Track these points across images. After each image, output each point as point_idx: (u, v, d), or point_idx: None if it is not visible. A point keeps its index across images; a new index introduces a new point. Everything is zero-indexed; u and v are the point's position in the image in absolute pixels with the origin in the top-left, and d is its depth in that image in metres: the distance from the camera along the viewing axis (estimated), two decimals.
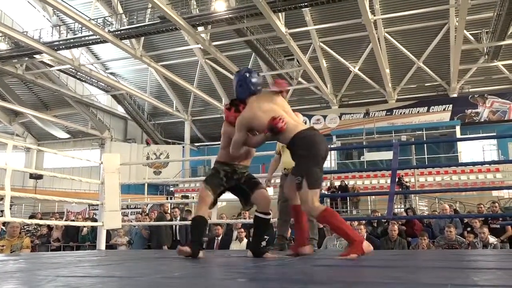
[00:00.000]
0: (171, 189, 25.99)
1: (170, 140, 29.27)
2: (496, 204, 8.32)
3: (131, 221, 10.48)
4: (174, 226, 8.50)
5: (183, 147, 28.74)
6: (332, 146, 23.32)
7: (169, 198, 21.11)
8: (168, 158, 27.23)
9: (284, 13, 16.69)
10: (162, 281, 1.64)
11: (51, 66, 22.93)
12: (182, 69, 24.60)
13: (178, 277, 1.81)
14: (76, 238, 9.88)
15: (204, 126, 29.28)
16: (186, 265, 2.58)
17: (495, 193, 15.53)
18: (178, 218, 8.51)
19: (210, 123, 28.74)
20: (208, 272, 2.09)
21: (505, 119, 22.76)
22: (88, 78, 23.79)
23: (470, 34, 19.57)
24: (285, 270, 2.11)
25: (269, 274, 1.93)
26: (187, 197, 19.35)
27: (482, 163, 15.52)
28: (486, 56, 20.83)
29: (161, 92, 27.05)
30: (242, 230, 7.74)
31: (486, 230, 6.61)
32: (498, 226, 7.22)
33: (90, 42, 19.56)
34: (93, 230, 9.28)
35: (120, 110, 29.23)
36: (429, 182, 19.99)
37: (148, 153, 27.42)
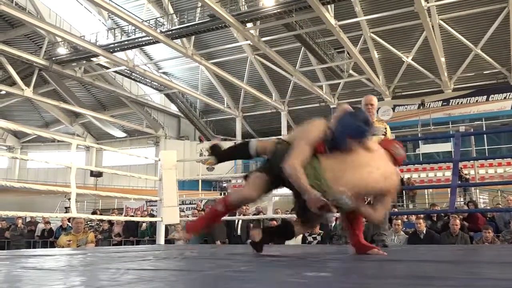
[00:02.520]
0: (224, 185, 26.33)
1: (222, 137, 29.66)
2: None
3: (188, 217, 10.70)
4: (235, 222, 8.62)
5: (235, 143, 28.98)
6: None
7: (222, 193, 21.38)
8: None
9: (333, 5, 16.42)
10: (230, 274, 1.67)
11: (107, 68, 23.82)
12: (232, 66, 24.84)
13: (245, 271, 1.83)
14: (135, 233, 10.24)
15: (255, 122, 29.47)
16: (250, 259, 2.61)
17: None
18: (237, 214, 8.60)
19: (261, 118, 28.88)
20: (276, 266, 2.10)
21: None
22: (142, 78, 24.55)
23: None
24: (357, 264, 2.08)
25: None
26: None
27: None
28: None
29: (212, 90, 27.45)
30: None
31: None
32: None
33: (143, 43, 20.13)
34: (152, 225, 9.57)
35: (173, 108, 29.96)
36: (489, 174, 19.13)
37: (201, 150, 27.91)
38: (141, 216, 11.23)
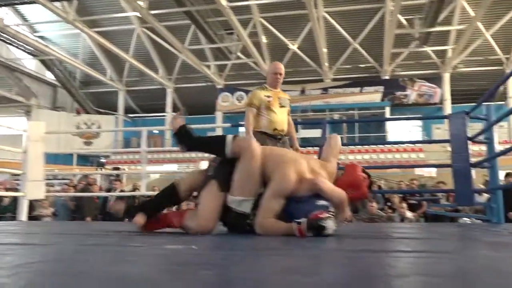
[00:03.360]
0: (102, 160, 25.25)
1: (102, 110, 28.26)
2: (414, 181, 8.87)
3: (57, 192, 10.12)
4: (107, 198, 8.31)
5: (116, 117, 27.90)
6: None
7: (98, 169, 20.50)
8: (100, 128, 26.35)
9: None
10: (78, 248, 1.63)
11: None
12: (117, 36, 23.64)
13: (94, 244, 1.80)
14: None
15: (139, 97, 28.52)
16: (112, 234, 2.56)
17: (417, 171, 16.49)
18: (118, 191, 8.29)
19: (146, 94, 28.03)
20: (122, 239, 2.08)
21: (431, 102, 24.07)
22: (14, 40, 22.26)
23: (404, 18, 20.32)
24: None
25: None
26: (118, 169, 18.86)
27: (408, 143, 16.34)
28: (418, 41, 21.78)
29: (94, 60, 25.92)
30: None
31: (404, 205, 7.05)
32: (415, 202, 7.71)
33: (17, 1, 18.32)
34: (15, 200, 8.87)
35: (49, 76, 27.69)
36: (358, 159, 20.85)
37: (78, 123, 26.35)
38: (5, 191, 10.33)
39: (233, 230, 2.73)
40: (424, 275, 0.98)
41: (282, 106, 4.50)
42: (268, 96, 4.44)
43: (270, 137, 4.36)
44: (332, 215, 2.33)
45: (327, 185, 2.47)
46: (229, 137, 2.88)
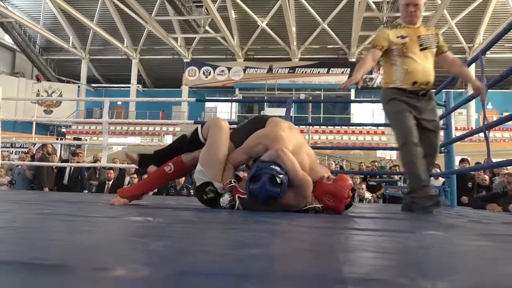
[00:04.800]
0: (63, 130, 24.62)
1: (64, 78, 27.40)
2: (376, 163, 9.09)
3: (14, 160, 9.82)
4: (66, 169, 8.13)
5: (79, 86, 27.15)
6: (234, 97, 23.54)
7: (59, 139, 19.98)
8: (61, 97, 25.58)
9: None
10: (33, 216, 1.60)
11: None
12: (81, 2, 22.82)
13: (50, 213, 1.77)
14: None
15: (103, 67, 27.81)
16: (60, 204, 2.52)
17: (379, 153, 16.89)
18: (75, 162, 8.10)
19: (110, 64, 27.35)
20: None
21: None
22: None
23: (372, 2, 20.46)
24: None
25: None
26: (79, 139, 18.45)
27: (370, 125, 16.67)
28: (385, 24, 22.03)
29: (57, 25, 24.97)
30: (135, 175, 7.65)
31: (363, 186, 7.23)
32: (375, 183, 7.93)
33: None
34: None
35: (7, 40, 26.51)
36: (322, 140, 21.17)
37: (38, 90, 25.49)
38: None
39: (201, 202, 2.78)
40: (369, 252, 1.01)
41: (424, 48, 3.20)
42: (403, 37, 3.19)
43: (408, 94, 3.17)
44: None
45: (290, 160, 2.49)
46: (199, 126, 2.94)
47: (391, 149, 16.01)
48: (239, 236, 1.24)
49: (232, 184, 2.57)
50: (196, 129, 2.91)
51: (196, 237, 1.20)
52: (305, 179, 2.50)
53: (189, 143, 2.90)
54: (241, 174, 2.96)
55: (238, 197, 2.53)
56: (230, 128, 2.90)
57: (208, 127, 2.82)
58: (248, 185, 2.45)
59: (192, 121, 6.07)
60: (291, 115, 5.49)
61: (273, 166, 2.43)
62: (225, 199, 2.54)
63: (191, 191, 6.77)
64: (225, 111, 24.82)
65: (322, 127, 22.08)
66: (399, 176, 6.96)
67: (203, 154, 2.74)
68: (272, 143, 2.59)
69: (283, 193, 2.42)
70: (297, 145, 2.68)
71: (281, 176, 2.40)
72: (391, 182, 7.49)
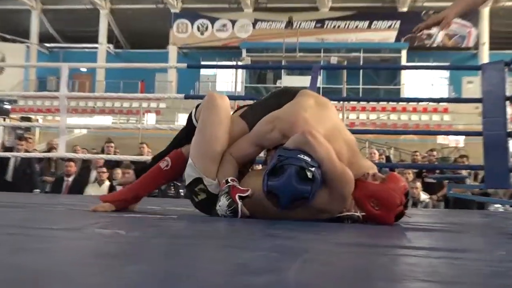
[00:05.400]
0: (7, 106, 24.78)
1: (8, 36, 27.48)
2: (435, 153, 9.02)
3: None
4: (8, 165, 8.17)
5: (28, 47, 27.25)
6: (240, 63, 23.50)
7: (4, 119, 20.13)
8: (4, 61, 25.67)
9: None
10: None
11: None
12: None
13: None
14: None
15: (60, 20, 27.83)
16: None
17: (439, 139, 16.74)
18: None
19: (70, 16, 27.36)
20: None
21: (463, 46, 24.27)
22: None
23: None
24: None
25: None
26: (28, 119, 18.55)
27: (429, 101, 16.50)
28: None
29: None
30: (104, 169, 7.68)
31: (418, 184, 7.21)
32: (434, 181, 7.88)
33: None
34: None
35: None
36: (361, 120, 21.09)
37: None
38: None
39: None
40: (422, 281, 1.00)
41: None
42: None
43: None
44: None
45: (325, 147, 2.45)
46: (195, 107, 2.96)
47: (457, 133, 15.89)
48: (242, 257, 1.24)
49: (229, 184, 2.55)
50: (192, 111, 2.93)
51: (183, 259, 1.20)
52: (346, 174, 2.47)
53: (186, 132, 2.94)
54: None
55: (240, 197, 2.50)
56: (243, 106, 2.91)
57: (203, 103, 2.81)
58: (266, 181, 2.39)
59: (183, 95, 6.04)
60: (318, 85, 5.40)
61: (301, 156, 2.40)
62: (223, 204, 2.50)
63: (181, 191, 6.79)
64: (227, 80, 24.76)
65: (361, 102, 21.99)
66: (468, 171, 6.91)
67: (192, 142, 2.74)
68: (292, 127, 2.56)
69: (315, 192, 2.38)
70: (331, 129, 2.65)
71: (312, 169, 2.37)
72: (457, 179, 7.44)
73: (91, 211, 2.64)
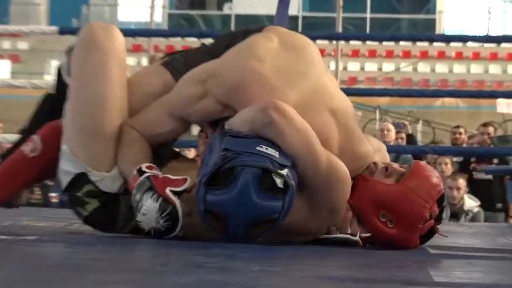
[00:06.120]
0: None
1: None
2: (491, 130, 9.11)
3: None
4: None
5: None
6: None
7: None
8: None
9: None
10: None
11: None
12: None
13: None
14: None
15: None
16: None
17: (501, 106, 16.84)
18: None
19: None
20: None
21: None
22: None
23: None
24: None
25: None
26: None
27: (485, 40, 16.61)
28: None
29: None
30: None
31: (461, 182, 7.26)
32: (489, 176, 7.92)
33: None
34: None
35: None
36: (367, 72, 21.23)
37: None
38: None
39: None
40: None
41: None
42: None
43: None
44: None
45: (299, 128, 2.41)
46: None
47: None
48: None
49: (147, 174, 2.47)
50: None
51: None
52: (336, 170, 2.46)
53: (58, 94, 2.90)
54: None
55: (173, 192, 2.44)
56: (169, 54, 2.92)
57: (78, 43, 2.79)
58: (202, 195, 2.33)
59: (56, 28, 6.07)
60: (292, 14, 5.39)
61: (262, 148, 2.36)
62: (150, 208, 2.41)
63: (52, 194, 6.81)
64: (138, 4, 24.72)
65: (367, 42, 22.01)
66: None
67: (66, 114, 2.73)
68: (237, 92, 2.51)
69: (288, 210, 2.34)
70: (310, 94, 2.62)
71: (283, 171, 2.34)
72: None
73: None
